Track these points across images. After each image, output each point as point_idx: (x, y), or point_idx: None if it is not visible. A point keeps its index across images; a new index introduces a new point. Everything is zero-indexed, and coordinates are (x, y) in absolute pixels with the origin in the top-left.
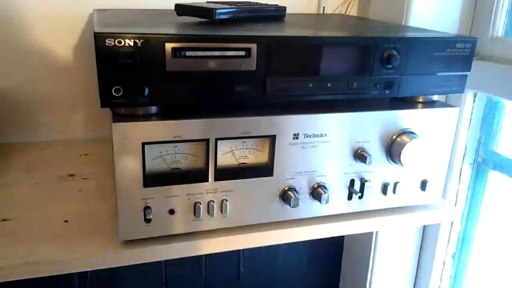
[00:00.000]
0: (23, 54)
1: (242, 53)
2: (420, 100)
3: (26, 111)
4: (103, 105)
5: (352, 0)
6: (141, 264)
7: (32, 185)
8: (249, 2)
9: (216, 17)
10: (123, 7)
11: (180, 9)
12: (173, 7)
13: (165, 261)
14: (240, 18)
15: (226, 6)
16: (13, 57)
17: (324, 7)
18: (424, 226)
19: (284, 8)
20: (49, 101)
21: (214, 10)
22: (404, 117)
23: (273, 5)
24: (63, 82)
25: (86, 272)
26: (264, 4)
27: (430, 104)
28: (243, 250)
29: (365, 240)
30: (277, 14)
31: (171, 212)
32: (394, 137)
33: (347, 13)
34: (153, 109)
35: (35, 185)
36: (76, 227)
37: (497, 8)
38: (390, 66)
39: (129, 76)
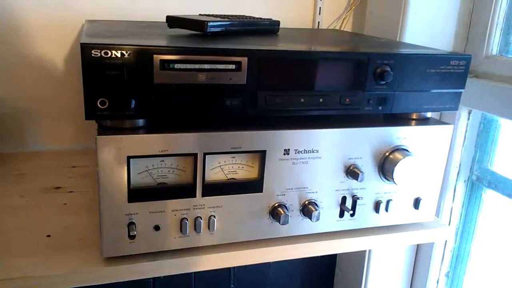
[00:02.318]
0: (12, 63)
1: (233, 66)
2: (414, 117)
3: (15, 121)
4: (87, 117)
5: (347, 16)
6: (129, 280)
7: (17, 198)
8: (242, 16)
9: (208, 30)
10: (117, 18)
11: (172, 21)
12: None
13: (154, 277)
14: (232, 31)
15: (218, 19)
16: (1, 66)
17: (319, 22)
18: (418, 245)
19: (277, 22)
20: (39, 111)
21: (205, 22)
22: (397, 134)
23: (267, 19)
24: (53, 92)
25: None
26: (257, 18)
27: (423, 121)
28: (234, 267)
29: (358, 258)
30: (271, 28)
31: (156, 228)
32: (387, 154)
33: (342, 29)
34: (140, 122)
35: (19, 197)
36: (58, 242)
37: (492, 26)
38: (383, 82)
39: (116, 88)
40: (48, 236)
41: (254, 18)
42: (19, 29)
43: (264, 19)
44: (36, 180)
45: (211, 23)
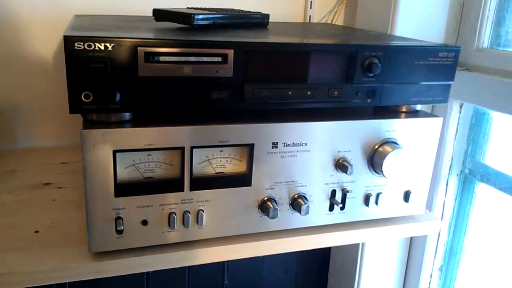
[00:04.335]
0: (1, 59)
1: (219, 59)
2: (403, 109)
3: (3, 117)
4: (72, 111)
5: (338, 9)
6: (122, 275)
7: (5, 194)
8: (231, 9)
9: (195, 23)
10: (107, 13)
11: (158, 15)
12: None
13: (147, 273)
14: (220, 24)
15: (206, 12)
16: None
17: (310, 16)
18: (411, 238)
19: (267, 16)
20: (28, 107)
21: (192, 15)
22: (386, 127)
23: (256, 12)
24: (43, 88)
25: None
26: (246, 11)
27: (413, 113)
28: (227, 261)
29: (351, 251)
30: (260, 22)
31: (144, 223)
32: (376, 146)
33: (334, 23)
34: (126, 115)
35: (8, 193)
36: (46, 238)
37: (483, 19)
38: (371, 74)
39: (100, 81)
40: (36, 232)
41: (242, 11)
42: (8, 24)
43: (253, 12)
44: (25, 177)
45: (198, 16)
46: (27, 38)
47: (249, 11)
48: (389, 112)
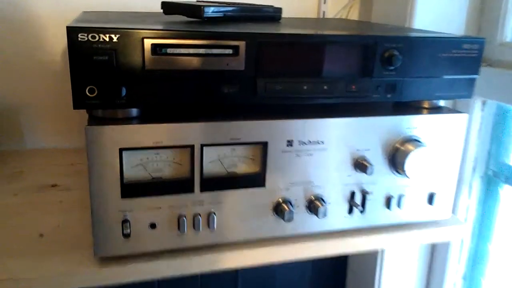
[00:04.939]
0: (10, 57)
1: (229, 51)
2: (425, 105)
3: (13, 118)
4: (76, 106)
5: (353, 4)
6: (132, 283)
7: (10, 196)
8: (242, 3)
9: (205, 15)
10: (117, 10)
11: (167, 7)
12: None
13: (158, 280)
14: (231, 17)
15: (216, 4)
16: None
17: (324, 12)
18: (433, 244)
19: (280, 10)
20: (37, 107)
21: (202, 7)
22: (408, 123)
23: (268, 5)
24: (52, 87)
25: None
26: (258, 5)
27: (435, 110)
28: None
29: (370, 258)
30: (272, 15)
31: (152, 226)
32: (397, 145)
33: (348, 18)
34: (134, 112)
35: (13, 195)
36: (51, 242)
37: (506, 12)
38: (392, 67)
39: (105, 74)
40: (41, 235)
41: (254, 5)
42: (17, 24)
43: (265, 5)
44: (32, 178)
45: (208, 9)
46: (35, 36)
47: (261, 5)
48: (410, 108)
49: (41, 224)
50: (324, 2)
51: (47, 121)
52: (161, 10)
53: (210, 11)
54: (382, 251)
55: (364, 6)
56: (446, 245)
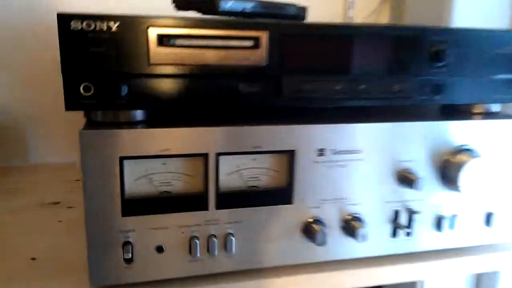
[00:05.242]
0: (10, 69)
1: (250, 43)
2: (476, 110)
3: (15, 132)
4: (68, 107)
5: (383, 9)
6: None
7: (7, 214)
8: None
9: (220, 10)
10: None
11: (179, 2)
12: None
13: None
14: (250, 14)
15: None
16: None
17: (351, 17)
18: (478, 274)
19: (304, 9)
20: (41, 120)
21: (217, 2)
22: (461, 130)
23: (291, 4)
24: (55, 100)
25: None
26: (280, 2)
27: (489, 115)
28: None
29: None
30: (296, 14)
31: (159, 249)
32: (449, 155)
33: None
34: (138, 115)
35: (10, 213)
36: (44, 267)
37: None
38: (440, 64)
39: (102, 70)
40: (33, 259)
41: (277, 2)
42: (14, 31)
43: (288, 3)
44: (32, 195)
45: (224, 2)
46: (35, 44)
47: (284, 3)
48: (460, 113)
49: (35, 246)
50: (351, 8)
51: (53, 135)
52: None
53: (227, 7)
54: (422, 281)
55: (396, 9)
56: (494, 274)
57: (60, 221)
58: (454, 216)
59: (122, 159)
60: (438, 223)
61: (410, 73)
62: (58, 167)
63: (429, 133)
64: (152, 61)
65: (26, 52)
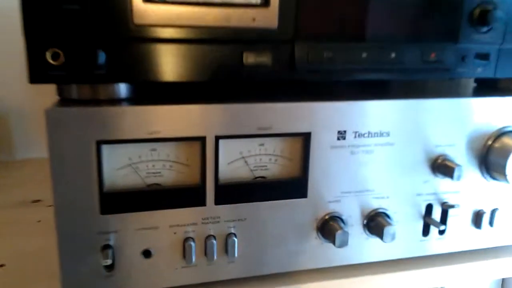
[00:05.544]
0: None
1: (257, 0)
2: None
3: (0, 126)
4: (33, 79)
5: None
6: None
7: None
8: None
9: None
10: None
11: None
12: None
13: None
14: None
15: None
16: None
17: None
18: (503, 280)
19: None
20: (27, 114)
21: None
22: (506, 110)
23: None
24: (43, 92)
25: None
26: None
27: None
28: None
29: None
30: None
31: (146, 254)
32: (493, 139)
33: None
34: (122, 90)
35: None
36: (12, 274)
37: None
38: (485, 29)
39: (75, 32)
40: (1, 266)
41: None
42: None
43: None
44: (12, 192)
45: None
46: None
47: None
48: (502, 90)
49: (6, 250)
50: None
51: (39, 129)
52: None
53: None
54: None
55: None
56: None
57: (39, 221)
58: (494, 211)
59: (99, 143)
60: (477, 219)
61: (449, 39)
62: (46, 162)
63: (470, 113)
64: (136, 20)
65: (9, 45)
